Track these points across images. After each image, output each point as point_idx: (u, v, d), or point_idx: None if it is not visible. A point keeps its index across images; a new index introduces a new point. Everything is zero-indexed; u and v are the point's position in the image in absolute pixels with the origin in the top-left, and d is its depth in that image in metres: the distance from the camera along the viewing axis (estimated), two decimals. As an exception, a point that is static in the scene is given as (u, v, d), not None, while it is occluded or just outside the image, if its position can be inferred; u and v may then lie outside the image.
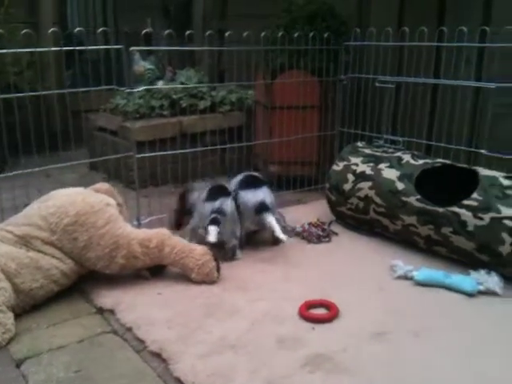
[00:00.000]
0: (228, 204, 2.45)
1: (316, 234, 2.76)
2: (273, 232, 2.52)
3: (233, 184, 2.72)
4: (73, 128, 2.77)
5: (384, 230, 2.67)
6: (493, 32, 2.66)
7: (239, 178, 2.76)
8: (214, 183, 2.64)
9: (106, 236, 2.15)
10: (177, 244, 2.24)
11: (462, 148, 2.85)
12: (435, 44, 2.87)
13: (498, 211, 2.18)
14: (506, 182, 2.26)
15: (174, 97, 3.72)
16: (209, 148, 3.21)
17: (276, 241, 2.64)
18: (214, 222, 2.35)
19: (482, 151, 2.72)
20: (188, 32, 2.81)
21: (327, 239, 2.75)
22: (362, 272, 2.39)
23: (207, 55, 4.36)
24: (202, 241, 2.37)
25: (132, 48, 2.87)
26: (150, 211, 2.87)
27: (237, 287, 2.24)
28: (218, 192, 2.50)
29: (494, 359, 1.76)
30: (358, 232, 2.82)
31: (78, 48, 2.71)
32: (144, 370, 1.74)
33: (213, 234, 2.31)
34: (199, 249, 2.26)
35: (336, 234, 2.82)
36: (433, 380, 1.65)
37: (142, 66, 4.06)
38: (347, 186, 2.74)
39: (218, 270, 2.28)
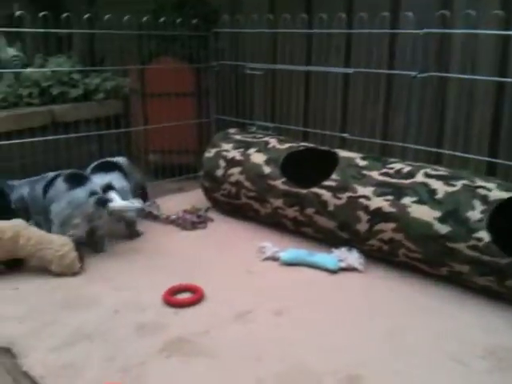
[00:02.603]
0: (98, 185, 2.39)
1: (190, 221, 2.75)
2: (127, 223, 2.57)
3: (88, 170, 2.63)
4: None
5: (256, 214, 2.71)
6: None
7: (94, 164, 2.67)
8: (67, 172, 2.43)
9: None
10: (33, 235, 2.13)
11: (328, 133, 2.97)
12: (300, 31, 2.95)
13: (355, 190, 2.28)
14: (362, 163, 2.36)
15: (44, 84, 3.53)
16: (74, 135, 3.09)
17: (132, 233, 2.60)
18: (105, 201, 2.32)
19: (345, 135, 2.85)
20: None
21: (203, 225, 2.75)
22: (233, 256, 2.41)
23: (79, 41, 4.18)
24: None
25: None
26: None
27: (101, 278, 2.18)
28: (78, 178, 2.36)
29: (349, 330, 1.83)
30: (232, 217, 2.84)
31: None
32: (-11, 367, 1.64)
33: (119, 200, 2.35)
34: (58, 239, 2.17)
35: (211, 219, 2.82)
36: (288, 356, 1.68)
37: (9, 53, 3.82)
38: (219, 172, 2.75)
39: (82, 260, 2.20)
